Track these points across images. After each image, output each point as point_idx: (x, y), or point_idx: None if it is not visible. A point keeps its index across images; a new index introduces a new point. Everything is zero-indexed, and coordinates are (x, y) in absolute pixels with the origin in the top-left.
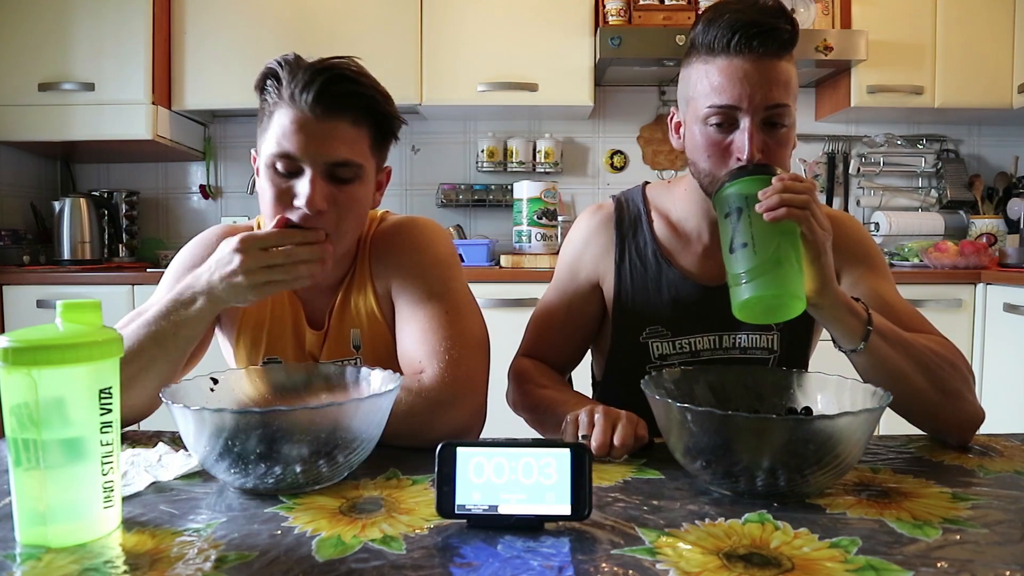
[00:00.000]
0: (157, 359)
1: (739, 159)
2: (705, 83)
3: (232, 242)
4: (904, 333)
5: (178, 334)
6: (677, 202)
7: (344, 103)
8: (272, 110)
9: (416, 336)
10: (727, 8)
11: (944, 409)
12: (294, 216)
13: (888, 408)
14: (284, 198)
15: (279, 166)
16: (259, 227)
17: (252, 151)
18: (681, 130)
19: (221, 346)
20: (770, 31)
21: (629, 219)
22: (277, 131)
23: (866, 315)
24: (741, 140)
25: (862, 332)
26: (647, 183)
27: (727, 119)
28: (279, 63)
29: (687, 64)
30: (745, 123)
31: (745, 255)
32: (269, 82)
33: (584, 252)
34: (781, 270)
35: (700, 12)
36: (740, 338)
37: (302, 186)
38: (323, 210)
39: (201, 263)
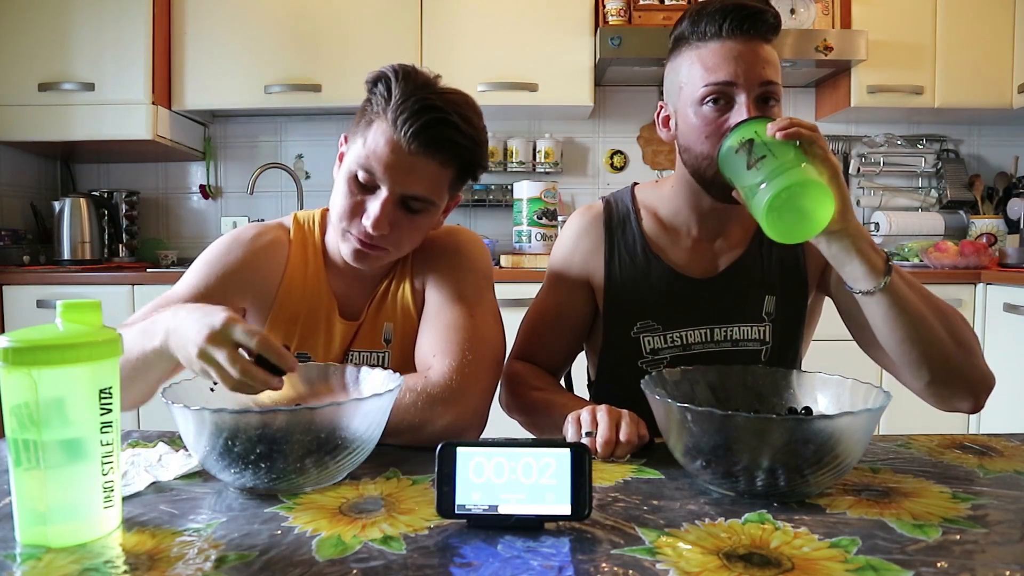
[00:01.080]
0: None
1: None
2: (698, 67)
3: (222, 315)
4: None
5: (143, 370)
6: (665, 199)
7: (440, 147)
8: (372, 119)
9: (436, 334)
10: (712, 1)
11: (961, 362)
12: (354, 229)
13: (890, 407)
14: (356, 210)
15: (360, 176)
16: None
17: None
18: (671, 121)
19: None
20: (758, 14)
21: (618, 218)
22: (371, 145)
23: (884, 252)
24: (740, 115)
25: (883, 267)
26: (636, 184)
27: (723, 96)
28: (395, 72)
29: (675, 56)
30: (741, 99)
31: (765, 163)
32: (380, 87)
33: (574, 251)
34: (803, 167)
35: (682, 14)
36: (732, 330)
37: (373, 206)
38: (385, 233)
39: (234, 259)
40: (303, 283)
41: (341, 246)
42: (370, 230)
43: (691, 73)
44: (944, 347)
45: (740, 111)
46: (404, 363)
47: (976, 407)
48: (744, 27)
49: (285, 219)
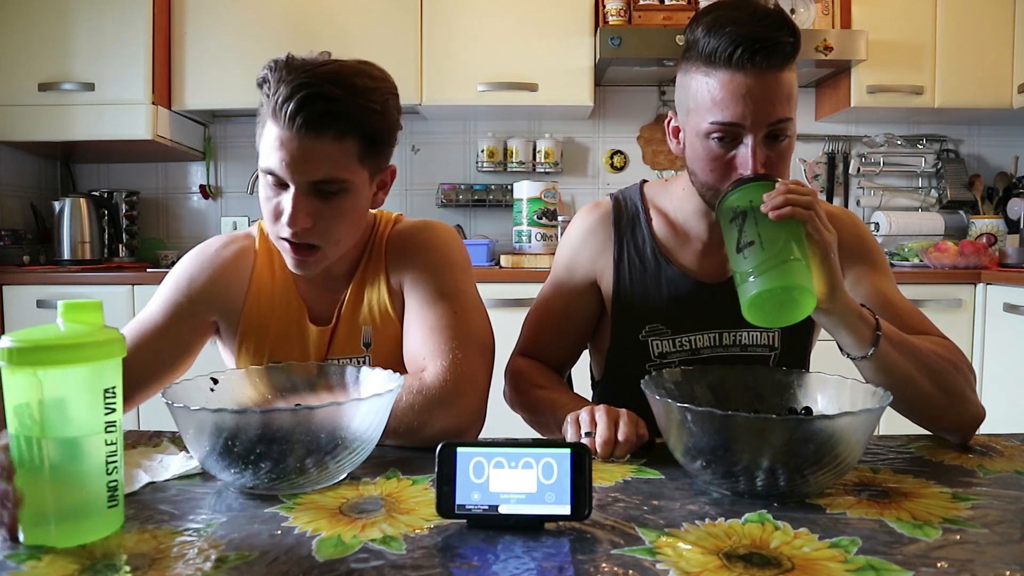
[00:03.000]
0: None
1: (742, 174)
2: (706, 96)
3: None
4: (909, 337)
5: None
6: (675, 200)
7: (324, 122)
8: (264, 119)
9: (422, 334)
10: (728, 18)
11: (948, 411)
12: (282, 234)
13: (889, 408)
14: (275, 213)
15: (269, 180)
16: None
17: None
18: (680, 135)
19: (222, 354)
20: (772, 45)
21: (627, 217)
22: (265, 145)
23: (874, 321)
24: (744, 157)
25: (871, 338)
26: (645, 181)
27: (729, 135)
28: (271, 66)
29: (685, 70)
30: (748, 140)
31: (752, 252)
32: (264, 85)
33: (581, 250)
34: (790, 264)
35: (699, 10)
36: (741, 335)
37: (286, 203)
38: (307, 227)
39: (199, 274)
40: (271, 291)
41: (284, 258)
42: (289, 227)
43: (698, 100)
44: (931, 401)
45: (745, 153)
46: (387, 367)
47: (963, 442)
48: (756, 60)
49: (252, 228)
